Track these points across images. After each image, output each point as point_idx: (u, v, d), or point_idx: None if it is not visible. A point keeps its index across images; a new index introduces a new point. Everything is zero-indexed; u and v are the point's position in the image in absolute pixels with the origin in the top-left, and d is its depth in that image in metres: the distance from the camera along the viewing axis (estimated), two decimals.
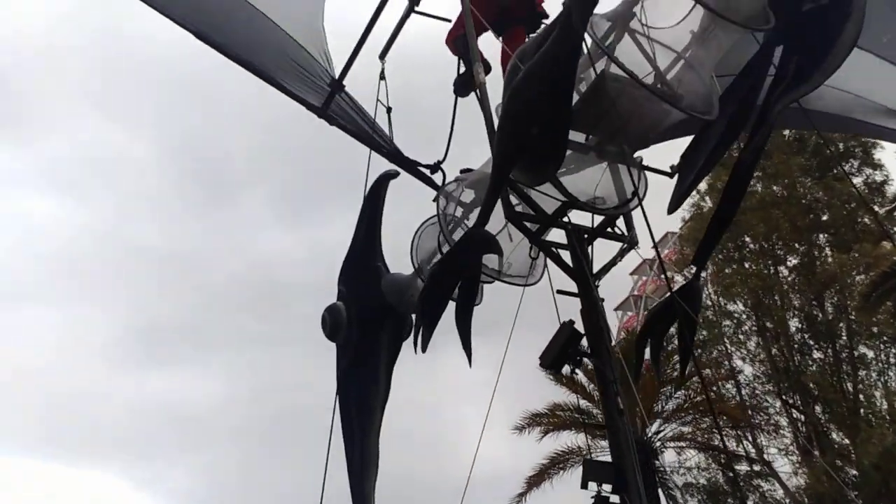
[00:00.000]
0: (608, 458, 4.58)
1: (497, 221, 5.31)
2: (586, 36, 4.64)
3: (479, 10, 5.85)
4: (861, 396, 24.42)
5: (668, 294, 5.25)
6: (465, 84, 6.10)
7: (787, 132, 25.73)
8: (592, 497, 4.40)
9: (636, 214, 5.43)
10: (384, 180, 6.60)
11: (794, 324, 25.71)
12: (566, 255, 5.25)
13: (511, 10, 6.30)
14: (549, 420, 22.77)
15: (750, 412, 25.06)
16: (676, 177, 5.45)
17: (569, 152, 5.08)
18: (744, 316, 26.30)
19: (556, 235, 5.38)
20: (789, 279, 26.14)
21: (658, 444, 22.78)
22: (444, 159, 6.30)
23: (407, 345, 6.61)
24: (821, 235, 26.52)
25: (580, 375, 20.98)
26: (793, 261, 26.44)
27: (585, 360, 4.82)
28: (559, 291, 5.08)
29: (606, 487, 4.40)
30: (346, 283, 6.66)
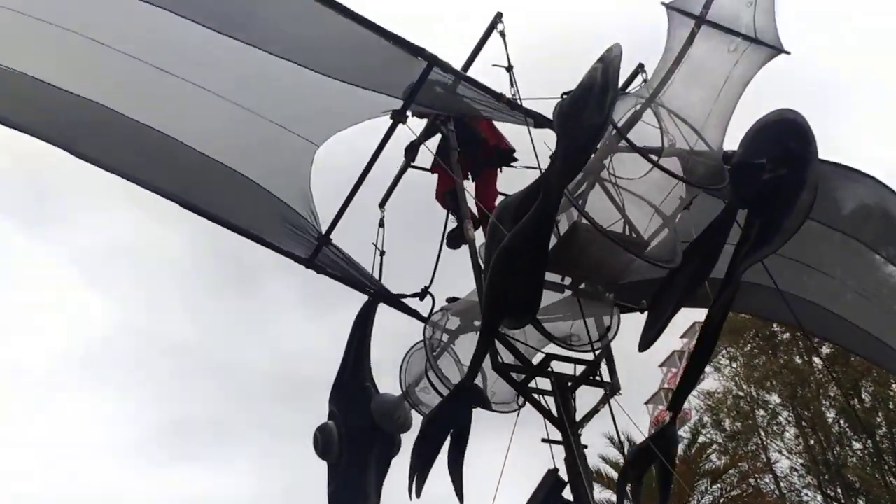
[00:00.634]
0: None
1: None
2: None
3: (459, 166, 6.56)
4: None
5: (645, 440, 5.56)
6: (457, 238, 6.61)
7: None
8: None
9: (618, 358, 5.79)
10: (373, 304, 6.98)
11: (830, 415, 25.29)
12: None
13: (479, 157, 6.90)
14: None
15: None
16: (647, 314, 5.79)
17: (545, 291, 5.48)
18: (779, 407, 25.97)
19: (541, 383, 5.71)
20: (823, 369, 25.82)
21: None
22: (430, 285, 6.66)
23: (396, 464, 6.92)
24: None
25: None
26: (826, 350, 26.15)
27: None
28: (544, 440, 5.37)
29: None
30: (336, 404, 6.95)
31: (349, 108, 6.01)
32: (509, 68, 6.34)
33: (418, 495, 5.37)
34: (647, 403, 42.12)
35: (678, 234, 5.49)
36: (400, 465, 6.43)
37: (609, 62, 4.72)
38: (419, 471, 5.37)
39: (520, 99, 6.14)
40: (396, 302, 6.88)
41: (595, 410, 5.56)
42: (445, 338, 6.51)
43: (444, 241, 6.71)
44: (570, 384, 5.57)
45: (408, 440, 6.76)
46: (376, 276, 6.98)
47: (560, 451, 5.33)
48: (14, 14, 5.19)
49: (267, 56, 5.58)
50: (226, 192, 6.26)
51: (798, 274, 6.77)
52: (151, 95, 5.76)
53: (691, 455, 24.00)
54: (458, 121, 6.82)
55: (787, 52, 5.40)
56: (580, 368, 5.63)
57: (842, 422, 25.21)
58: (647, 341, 5.57)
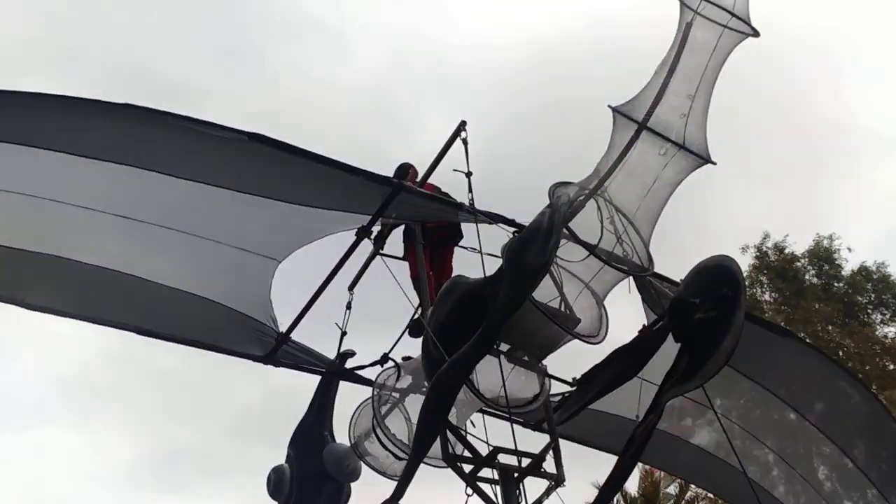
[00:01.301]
0: None
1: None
2: None
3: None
4: None
5: None
6: (419, 327, 6.90)
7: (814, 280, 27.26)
8: None
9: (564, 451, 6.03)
10: (330, 382, 7.47)
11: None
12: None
13: (434, 239, 7.35)
14: None
15: None
16: (574, 391, 6.19)
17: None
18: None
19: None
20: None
21: None
22: (390, 351, 6.96)
23: None
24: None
25: None
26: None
27: None
28: None
29: None
30: (294, 447, 7.37)
31: (314, 225, 6.38)
32: (468, 174, 6.78)
33: None
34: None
35: (606, 312, 6.01)
36: None
37: (556, 209, 5.27)
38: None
39: (474, 205, 6.61)
40: (353, 376, 7.32)
41: (539, 501, 5.75)
42: (396, 395, 6.85)
43: (408, 329, 6.99)
44: (516, 475, 5.78)
45: (356, 489, 7.28)
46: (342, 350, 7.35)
47: None
48: None
49: (226, 190, 5.91)
50: (185, 314, 6.57)
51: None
52: (107, 239, 6.00)
53: None
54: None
55: (714, 163, 5.78)
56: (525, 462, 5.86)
57: None
58: (568, 417, 6.07)
